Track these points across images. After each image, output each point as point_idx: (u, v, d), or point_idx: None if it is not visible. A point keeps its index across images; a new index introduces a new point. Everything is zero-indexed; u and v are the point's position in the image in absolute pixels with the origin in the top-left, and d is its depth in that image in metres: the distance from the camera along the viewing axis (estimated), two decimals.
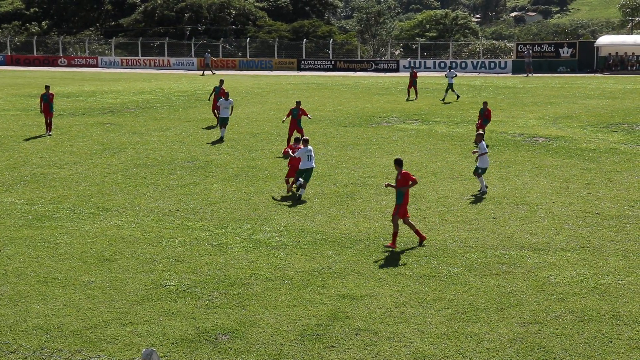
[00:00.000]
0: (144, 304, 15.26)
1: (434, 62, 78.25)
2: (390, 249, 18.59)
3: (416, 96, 49.44)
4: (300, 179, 23.85)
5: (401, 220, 18.76)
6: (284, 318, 14.55)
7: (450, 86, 48.36)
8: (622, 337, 13.58)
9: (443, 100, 47.70)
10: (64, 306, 15.18)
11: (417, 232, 19.06)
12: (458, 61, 78.36)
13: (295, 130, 31.46)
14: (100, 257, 18.24)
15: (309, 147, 24.28)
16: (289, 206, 22.80)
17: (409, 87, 49.98)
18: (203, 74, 71.89)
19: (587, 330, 13.82)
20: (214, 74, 72.02)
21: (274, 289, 16.08)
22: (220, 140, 33.75)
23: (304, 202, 23.22)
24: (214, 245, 19.10)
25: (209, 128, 37.14)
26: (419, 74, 53.89)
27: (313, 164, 24.26)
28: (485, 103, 33.66)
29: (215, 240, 19.45)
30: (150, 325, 14.23)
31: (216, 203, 23.16)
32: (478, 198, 23.41)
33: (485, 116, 33.19)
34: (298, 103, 32.72)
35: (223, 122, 34.49)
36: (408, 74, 51.73)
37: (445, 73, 50.75)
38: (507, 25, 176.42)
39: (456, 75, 50.08)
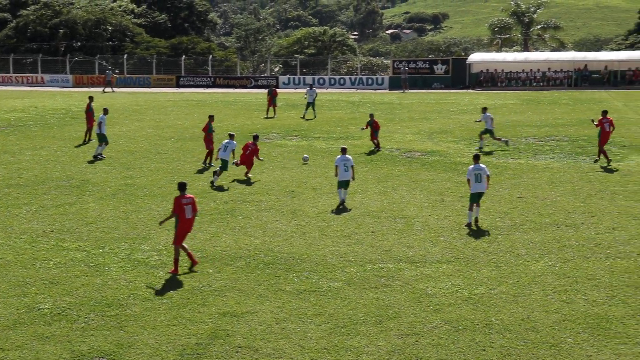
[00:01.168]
0: (16, 329, 14.77)
1: (313, 79, 78.85)
2: (171, 275, 18.03)
3: (275, 114, 49.34)
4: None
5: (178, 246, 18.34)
6: (163, 338, 14.35)
7: (311, 104, 48.71)
8: (495, 345, 13.97)
9: (303, 117, 48.05)
10: None
11: (177, 262, 18.26)
12: (337, 77, 79.27)
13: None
14: None
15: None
16: (168, 225, 22.46)
17: (269, 105, 49.67)
18: (104, 91, 70.23)
19: (461, 340, 14.15)
20: (113, 91, 70.56)
21: (153, 308, 15.83)
22: (99, 156, 33.42)
23: None
24: (90, 266, 18.67)
25: (80, 146, 36.36)
26: (300, 90, 54.03)
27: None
28: (371, 115, 34.59)
29: (92, 261, 19.02)
30: (22, 351, 13.78)
31: (93, 223, 22.66)
32: (358, 213, 23.68)
33: (374, 128, 34.18)
34: (211, 117, 33.44)
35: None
36: (267, 91, 50.96)
37: (306, 91, 50.70)
38: (384, 42, 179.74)
39: (316, 95, 50.18)
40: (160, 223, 19.59)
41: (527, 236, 20.81)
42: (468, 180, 22.32)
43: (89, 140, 37.25)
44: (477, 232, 21.29)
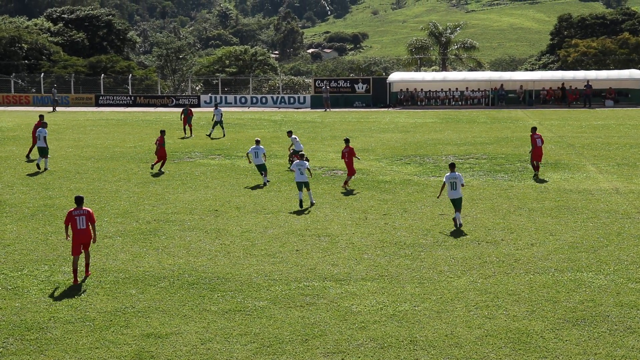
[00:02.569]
0: None
1: (235, 97, 78.85)
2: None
3: (191, 134, 49.15)
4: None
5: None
6: None
7: (219, 123, 48.92)
8: None
9: (209, 135, 48.18)
10: None
11: (75, 272, 18.61)
12: (259, 96, 79.37)
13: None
14: None
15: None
16: (90, 246, 22.14)
17: (184, 124, 49.47)
18: (54, 110, 69.12)
19: (387, 357, 14.24)
20: (54, 110, 69.53)
21: (74, 331, 15.53)
22: (44, 170, 34.48)
23: (106, 240, 22.62)
24: (8, 289, 18.23)
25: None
26: (210, 109, 53.61)
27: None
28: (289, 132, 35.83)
29: (10, 284, 18.57)
30: None
31: (11, 245, 22.15)
32: (283, 231, 23.69)
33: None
34: (162, 132, 35.25)
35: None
36: (181, 111, 51.22)
37: (213, 110, 50.57)
38: (305, 61, 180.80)
39: (222, 113, 50.03)
40: (67, 237, 19.18)
41: (449, 253, 21.10)
42: (444, 184, 24.23)
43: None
44: (400, 249, 21.50)
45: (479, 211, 26.12)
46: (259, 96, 79.84)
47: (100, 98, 78.84)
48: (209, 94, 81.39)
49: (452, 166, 24.43)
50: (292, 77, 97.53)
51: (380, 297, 17.54)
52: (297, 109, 75.19)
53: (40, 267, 20.02)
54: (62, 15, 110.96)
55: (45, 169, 34.77)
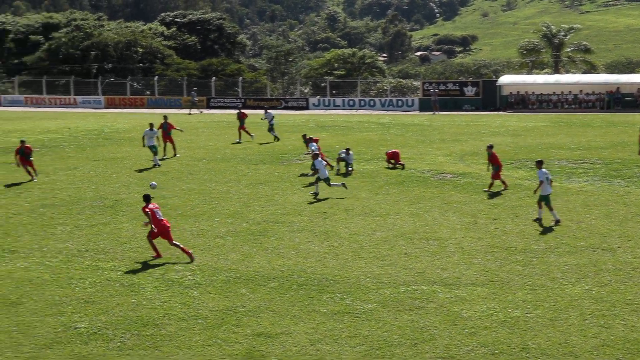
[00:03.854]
0: (53, 348, 14.89)
1: (343, 100, 79.13)
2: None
3: (250, 135, 47.93)
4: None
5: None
6: (198, 358, 14.39)
7: (271, 127, 48.18)
8: None
9: (277, 139, 47.80)
10: None
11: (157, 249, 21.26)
12: (366, 99, 79.42)
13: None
14: (6, 300, 17.77)
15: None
16: (202, 245, 22.63)
17: (239, 128, 48.07)
18: (190, 113, 70.70)
19: None
20: (201, 112, 71.19)
21: (187, 328, 15.90)
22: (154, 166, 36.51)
23: (217, 240, 23.06)
24: (125, 285, 18.80)
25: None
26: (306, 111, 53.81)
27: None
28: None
29: (127, 281, 19.16)
30: None
31: (127, 243, 22.84)
32: (391, 234, 23.66)
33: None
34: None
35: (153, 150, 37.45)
36: (237, 115, 49.43)
37: (264, 116, 49.72)
38: (413, 64, 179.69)
39: (273, 117, 49.26)
40: (146, 225, 21.36)
41: (562, 259, 20.65)
42: (541, 182, 24.74)
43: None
44: (511, 255, 21.17)
45: (594, 217, 25.47)
46: (367, 99, 79.89)
47: (212, 100, 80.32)
48: (317, 97, 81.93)
49: (540, 163, 25.29)
50: (400, 79, 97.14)
51: (490, 302, 17.33)
52: (405, 111, 74.89)
53: (155, 265, 20.56)
54: (175, 20, 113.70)
55: (155, 166, 36.86)
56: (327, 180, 29.94)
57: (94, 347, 14.94)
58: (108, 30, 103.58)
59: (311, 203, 28.41)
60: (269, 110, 50.14)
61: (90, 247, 22.36)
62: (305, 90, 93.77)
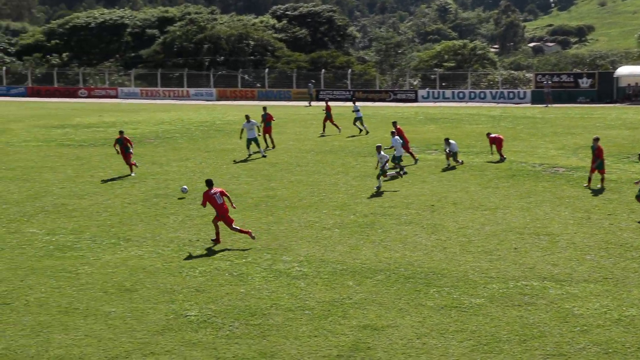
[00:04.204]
0: (165, 334, 15.25)
1: (453, 92, 78.32)
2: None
3: (339, 129, 47.10)
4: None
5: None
6: (305, 349, 14.50)
7: (359, 120, 47.53)
8: None
9: (367, 132, 47.29)
10: (85, 336, 15.20)
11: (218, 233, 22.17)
12: (477, 91, 78.36)
13: None
14: (121, 287, 18.28)
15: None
16: (309, 236, 22.78)
17: (325, 120, 47.37)
18: (310, 105, 71.43)
19: None
20: (309, 105, 71.70)
21: (294, 319, 16.03)
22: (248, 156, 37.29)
23: (324, 232, 23.17)
24: (234, 275, 19.10)
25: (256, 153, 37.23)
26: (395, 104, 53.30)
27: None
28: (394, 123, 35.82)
29: (236, 270, 19.45)
30: (171, 356, 14.21)
31: (236, 233, 23.17)
32: (500, 229, 23.30)
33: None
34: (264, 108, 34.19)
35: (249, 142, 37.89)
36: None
37: (352, 108, 49.27)
38: (526, 55, 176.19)
39: (359, 109, 48.44)
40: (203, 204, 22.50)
41: None
42: None
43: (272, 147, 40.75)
44: (626, 251, 20.55)
45: None
46: (477, 91, 78.84)
47: (320, 92, 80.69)
48: (426, 89, 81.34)
49: None
50: (512, 71, 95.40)
51: (604, 300, 16.86)
52: (517, 104, 73.54)
53: (262, 255, 20.82)
54: (286, 13, 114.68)
55: (250, 155, 37.78)
56: (398, 159, 31.99)
57: (203, 334, 15.24)
58: (221, 23, 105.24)
59: (419, 196, 28.23)
60: (357, 103, 49.87)
61: (200, 237, 22.81)
62: (415, 83, 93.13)
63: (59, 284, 18.57)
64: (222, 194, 22.14)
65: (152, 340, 14.95)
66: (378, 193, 28.81)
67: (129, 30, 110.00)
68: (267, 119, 40.87)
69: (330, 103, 50.34)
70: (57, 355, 14.31)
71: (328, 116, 47.13)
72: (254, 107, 68.17)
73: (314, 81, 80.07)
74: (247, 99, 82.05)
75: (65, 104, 76.66)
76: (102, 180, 32.00)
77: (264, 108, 42.34)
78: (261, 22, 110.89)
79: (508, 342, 14.69)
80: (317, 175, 32.86)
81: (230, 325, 15.69)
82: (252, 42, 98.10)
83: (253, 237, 21.97)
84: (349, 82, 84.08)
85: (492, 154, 35.68)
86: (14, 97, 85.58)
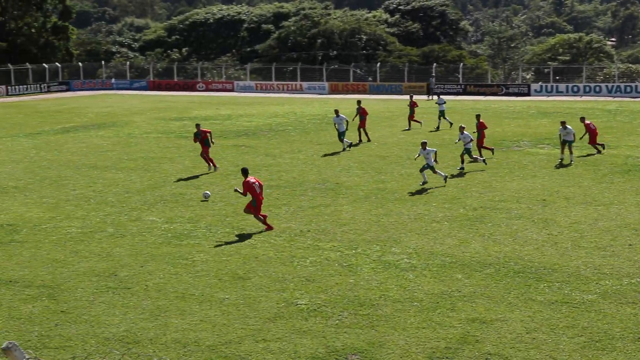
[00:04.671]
0: (276, 322, 15.44)
1: (567, 86, 76.46)
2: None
3: (420, 124, 47.11)
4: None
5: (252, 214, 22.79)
6: (413, 340, 14.44)
7: (441, 113, 47.05)
8: None
9: (437, 128, 46.42)
10: (200, 321, 15.53)
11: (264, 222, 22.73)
12: (592, 85, 76.26)
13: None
14: (234, 274, 18.60)
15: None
16: (418, 229, 22.67)
17: (410, 117, 47.28)
18: (430, 98, 71.46)
19: None
20: (430, 99, 71.22)
21: (403, 310, 15.99)
22: (343, 150, 37.36)
23: (433, 225, 23.02)
24: (343, 266, 19.17)
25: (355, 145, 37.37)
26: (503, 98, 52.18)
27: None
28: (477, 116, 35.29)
29: (345, 261, 19.53)
30: (282, 343, 14.38)
31: (346, 224, 23.27)
32: (614, 224, 22.66)
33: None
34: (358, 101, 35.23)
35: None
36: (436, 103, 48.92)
37: (436, 101, 48.67)
38: None
39: (445, 102, 48.15)
40: (235, 190, 23.53)
41: None
42: None
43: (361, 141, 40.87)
44: None
45: None
46: (592, 85, 76.69)
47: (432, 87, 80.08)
48: (539, 83, 79.67)
49: None
50: (630, 65, 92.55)
51: None
52: (634, 98, 71.21)
53: (372, 247, 20.83)
54: (399, 7, 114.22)
55: (344, 149, 37.84)
56: (468, 151, 31.83)
57: (313, 323, 15.36)
58: (334, 18, 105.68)
59: (530, 191, 27.73)
60: (441, 96, 49.39)
61: (311, 228, 22.98)
62: (527, 77, 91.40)
63: (176, 270, 19.04)
64: (260, 185, 22.80)
65: (264, 327, 15.16)
66: (489, 187, 28.41)
67: (245, 25, 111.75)
68: (361, 112, 40.89)
69: (442, 97, 49.98)
70: (174, 338, 14.68)
71: (411, 112, 47.11)
72: (366, 101, 68.17)
73: (434, 75, 79.41)
74: (358, 92, 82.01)
75: (184, 97, 78.40)
76: (217, 171, 32.58)
77: (358, 102, 42.53)
78: (374, 16, 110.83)
79: (621, 340, 14.27)
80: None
81: (340, 315, 15.77)
82: (364, 37, 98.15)
83: (271, 228, 22.74)
84: (460, 75, 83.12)
85: (580, 138, 34.73)
86: (136, 91, 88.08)
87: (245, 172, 23.02)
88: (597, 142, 35.25)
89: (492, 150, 34.93)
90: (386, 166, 33.20)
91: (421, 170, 29.26)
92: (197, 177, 31.53)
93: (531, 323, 15.17)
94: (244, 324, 15.36)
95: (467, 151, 31.53)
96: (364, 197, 27.13)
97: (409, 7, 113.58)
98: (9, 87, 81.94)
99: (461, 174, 31.09)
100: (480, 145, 34.48)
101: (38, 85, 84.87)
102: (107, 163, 35.20)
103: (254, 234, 22.37)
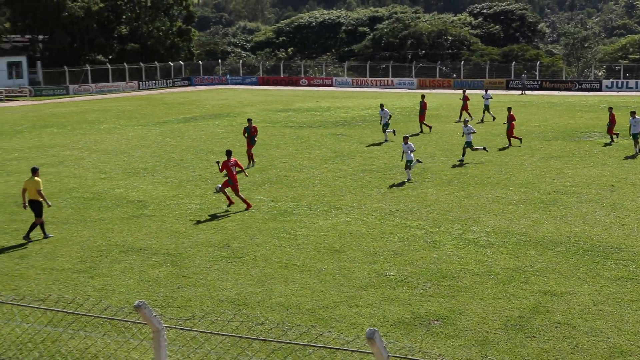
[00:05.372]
0: (368, 290, 15.51)
1: (636, 82, 73.77)
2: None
3: (470, 116, 44.66)
4: None
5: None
6: (489, 309, 14.31)
7: (486, 107, 45.60)
8: None
9: (482, 121, 44.93)
10: (301, 288, 15.72)
11: (244, 201, 23.03)
12: None
13: None
14: (331, 248, 18.72)
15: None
16: (496, 210, 22.36)
17: (462, 109, 45.19)
18: (522, 93, 70.19)
19: None
20: (523, 93, 69.81)
21: (480, 282, 15.84)
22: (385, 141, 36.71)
23: (510, 207, 22.66)
24: (428, 242, 19.09)
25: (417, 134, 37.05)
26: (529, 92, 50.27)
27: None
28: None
29: (430, 238, 19.44)
30: (372, 309, 14.45)
31: (431, 205, 23.13)
32: None
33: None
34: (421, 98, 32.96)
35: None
36: (484, 97, 46.61)
37: (482, 95, 47.03)
38: None
39: (492, 97, 46.49)
40: (216, 162, 24.28)
41: None
42: None
43: (421, 131, 40.50)
44: None
45: None
46: None
47: (510, 82, 78.45)
48: (611, 79, 77.11)
49: None
50: None
51: None
52: None
53: (454, 225, 20.66)
54: (482, 11, 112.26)
55: (386, 141, 36.97)
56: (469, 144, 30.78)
57: (400, 292, 15.37)
58: (423, 21, 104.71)
59: (600, 177, 26.98)
60: (488, 91, 48.09)
61: (399, 208, 22.92)
62: (599, 74, 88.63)
63: (280, 243, 19.29)
64: (236, 164, 23.13)
65: (357, 295, 15.25)
66: (561, 174, 27.77)
67: (343, 28, 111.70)
68: (422, 106, 40.56)
69: (510, 92, 49.08)
70: (278, 302, 14.91)
71: (463, 105, 45.33)
72: (450, 95, 67.29)
73: (526, 72, 77.59)
74: (443, 87, 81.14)
75: (289, 91, 78.93)
76: (317, 157, 32.77)
77: (422, 96, 42.18)
78: (459, 19, 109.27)
79: None
80: (504, 156, 32.14)
81: (424, 285, 15.73)
82: (450, 38, 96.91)
83: (232, 203, 23.17)
84: (537, 72, 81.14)
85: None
86: (247, 85, 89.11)
87: (228, 153, 23.50)
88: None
89: (520, 139, 34.86)
90: (468, 154, 32.75)
91: (405, 168, 27.37)
92: (298, 161, 31.78)
93: (598, 296, 14.83)
94: (339, 291, 15.49)
95: (469, 144, 30.72)
96: (447, 181, 26.89)
97: (491, 10, 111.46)
98: (140, 83, 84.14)
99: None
100: (510, 135, 34.54)
101: (164, 81, 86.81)
102: (222, 148, 35.80)
103: (350, 212, 22.46)
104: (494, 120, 45.25)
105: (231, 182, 22.85)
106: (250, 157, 31.15)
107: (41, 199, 20.02)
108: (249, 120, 31.98)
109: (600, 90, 73.33)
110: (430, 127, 41.21)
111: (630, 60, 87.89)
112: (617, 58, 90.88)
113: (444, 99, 63.10)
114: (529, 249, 18.28)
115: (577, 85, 75.67)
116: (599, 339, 12.80)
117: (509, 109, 35.32)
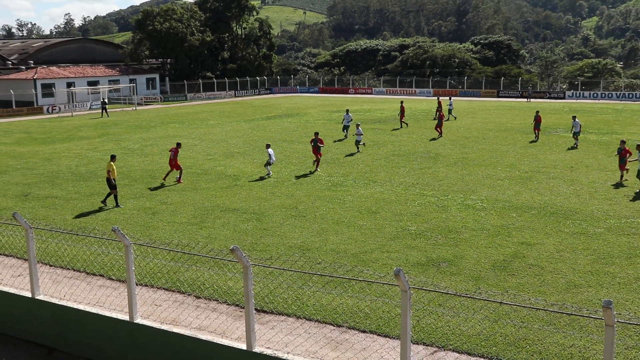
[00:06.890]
0: (395, 240, 15.56)
1: (589, 93, 71.13)
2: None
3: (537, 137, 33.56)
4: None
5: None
6: (482, 254, 14.26)
7: (449, 111, 43.94)
8: None
9: (447, 119, 42.75)
10: (347, 238, 15.84)
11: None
12: (606, 92, 70.61)
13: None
14: (369, 210, 18.76)
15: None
16: (488, 184, 22.08)
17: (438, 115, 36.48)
18: (529, 100, 65.86)
19: None
20: (529, 101, 65.87)
21: (476, 235, 15.76)
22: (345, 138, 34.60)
23: (499, 182, 22.31)
24: (439, 206, 19.00)
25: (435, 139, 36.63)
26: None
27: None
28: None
29: (440, 203, 19.33)
30: (398, 254, 14.51)
31: (441, 180, 22.95)
32: (618, 184, 21.28)
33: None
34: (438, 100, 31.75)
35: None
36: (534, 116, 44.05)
37: (449, 102, 45.00)
38: None
39: (451, 104, 44.69)
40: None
41: None
42: None
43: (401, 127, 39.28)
44: None
45: None
46: (606, 92, 70.87)
47: (500, 92, 76.38)
48: (572, 91, 74.49)
49: None
50: (632, 79, 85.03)
51: None
52: (635, 101, 65.60)
53: (457, 195, 20.48)
54: (480, 41, 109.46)
55: (346, 137, 34.64)
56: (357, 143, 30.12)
57: (419, 242, 15.38)
58: (438, 48, 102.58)
59: (562, 161, 26.34)
60: (453, 98, 46.53)
61: (419, 182, 22.79)
62: (564, 87, 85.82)
63: (333, 206, 19.39)
64: (175, 153, 22.95)
65: (387, 244, 15.32)
66: (536, 159, 27.19)
67: (380, 52, 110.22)
68: (402, 109, 39.85)
69: (500, 99, 47.79)
70: (331, 248, 15.06)
71: (438, 108, 41.11)
72: (456, 101, 66.05)
73: (531, 85, 75.39)
74: (452, 95, 79.60)
75: (341, 98, 78.43)
76: (363, 145, 32.68)
77: (402, 102, 41.29)
78: (464, 47, 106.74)
79: (618, 258, 13.60)
80: (494, 145, 31.59)
81: (435, 237, 15.71)
82: (457, 60, 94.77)
83: (179, 182, 22.87)
84: (519, 85, 79.03)
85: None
86: (311, 94, 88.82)
87: (316, 134, 25.40)
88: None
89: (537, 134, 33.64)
90: (468, 143, 32.30)
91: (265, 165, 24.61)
92: (347, 148, 31.68)
93: (560, 246, 14.65)
94: (375, 241, 15.57)
95: (356, 143, 29.73)
96: (453, 163, 26.60)
97: (487, 40, 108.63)
98: (236, 92, 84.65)
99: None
100: (536, 129, 33.17)
101: (253, 90, 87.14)
102: (292, 138, 36.00)
103: (383, 184, 22.42)
104: (455, 119, 44.04)
105: (172, 164, 23.27)
106: (317, 162, 25.37)
107: (111, 177, 19.27)
108: (316, 134, 25.90)
109: (564, 98, 71.08)
110: (407, 124, 39.76)
111: (585, 77, 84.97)
112: (576, 75, 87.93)
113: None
114: (511, 212, 18.07)
115: (547, 95, 73.51)
116: (559, 276, 12.68)
117: (537, 112, 33.57)
